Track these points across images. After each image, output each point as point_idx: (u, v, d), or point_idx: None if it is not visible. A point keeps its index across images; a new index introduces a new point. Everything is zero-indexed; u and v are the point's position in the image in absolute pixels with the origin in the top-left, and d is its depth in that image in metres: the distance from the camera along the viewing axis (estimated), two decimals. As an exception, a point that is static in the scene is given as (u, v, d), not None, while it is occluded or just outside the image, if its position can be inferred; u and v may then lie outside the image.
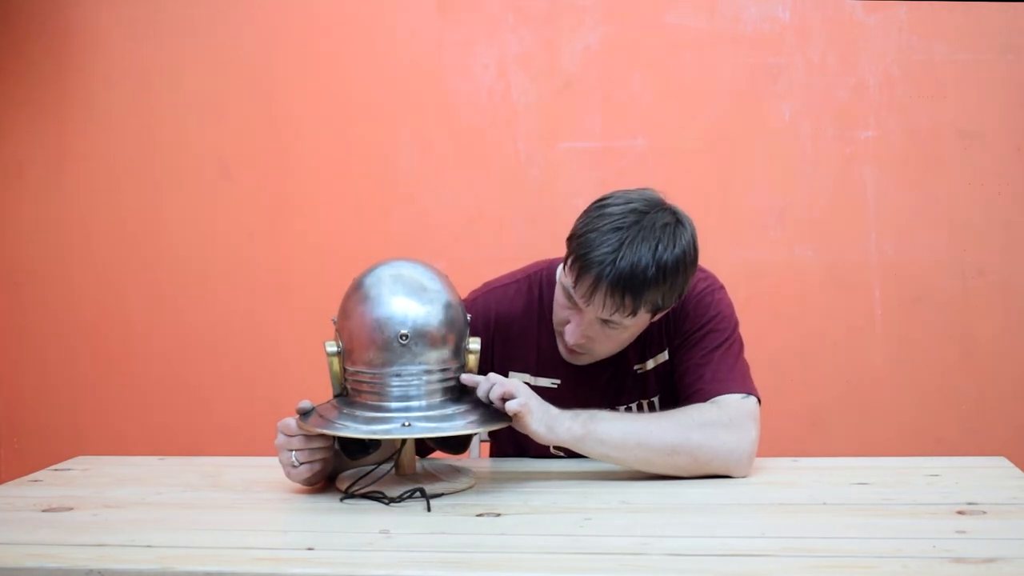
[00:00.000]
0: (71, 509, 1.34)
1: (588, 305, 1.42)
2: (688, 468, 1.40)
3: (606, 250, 1.37)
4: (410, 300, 1.35)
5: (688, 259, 1.43)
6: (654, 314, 1.47)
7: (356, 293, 1.37)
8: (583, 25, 2.63)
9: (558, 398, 1.47)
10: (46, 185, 2.92)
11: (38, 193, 2.93)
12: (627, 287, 1.37)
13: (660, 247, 1.38)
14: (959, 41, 2.48)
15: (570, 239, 1.45)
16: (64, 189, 2.91)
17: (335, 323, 1.40)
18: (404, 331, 1.32)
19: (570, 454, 1.61)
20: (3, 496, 1.44)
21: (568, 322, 1.47)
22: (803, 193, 2.55)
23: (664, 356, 1.58)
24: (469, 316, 1.45)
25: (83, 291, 2.91)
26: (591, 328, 1.45)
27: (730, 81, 2.57)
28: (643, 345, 1.58)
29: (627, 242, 1.37)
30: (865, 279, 2.53)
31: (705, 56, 2.58)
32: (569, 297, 1.45)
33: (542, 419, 1.37)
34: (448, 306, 1.37)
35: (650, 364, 1.59)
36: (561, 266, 1.49)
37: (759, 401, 1.47)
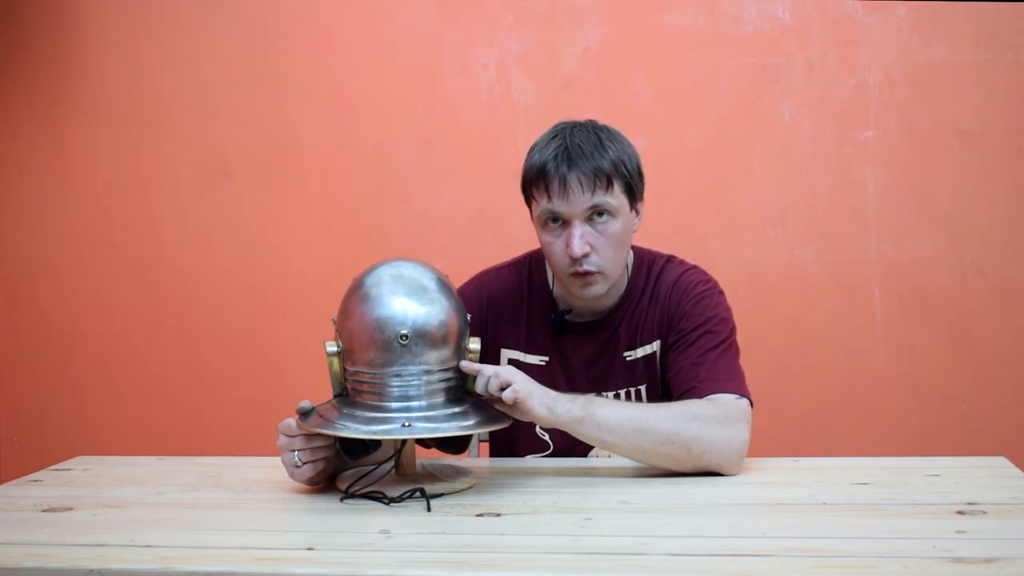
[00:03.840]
0: (71, 509, 1.34)
1: (567, 201, 1.48)
2: (680, 460, 1.40)
3: (554, 148, 1.50)
4: (410, 300, 1.35)
5: (628, 142, 1.56)
6: (631, 201, 1.54)
7: (356, 293, 1.37)
8: (583, 25, 2.63)
9: (547, 374, 1.53)
10: (46, 185, 2.92)
11: (38, 193, 2.93)
12: (592, 163, 1.48)
13: (597, 132, 1.53)
14: (959, 41, 2.48)
15: (523, 180, 1.56)
16: (64, 189, 2.91)
17: (335, 323, 1.40)
18: (404, 331, 1.32)
19: (560, 448, 1.62)
20: (3, 496, 1.44)
21: (566, 247, 1.51)
22: (803, 193, 2.55)
23: (653, 347, 1.60)
24: (465, 297, 1.48)
25: (83, 291, 2.91)
26: (587, 233, 1.50)
27: (730, 81, 2.57)
28: (635, 333, 1.60)
29: (567, 138, 1.51)
30: (865, 279, 2.53)
31: (705, 56, 2.58)
32: (553, 221, 1.52)
33: (543, 401, 1.38)
34: (448, 306, 1.37)
35: (639, 352, 1.60)
36: (532, 208, 1.56)
37: (751, 405, 1.48)
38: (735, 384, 1.49)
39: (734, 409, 1.44)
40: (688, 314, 1.56)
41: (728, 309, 1.59)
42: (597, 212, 1.49)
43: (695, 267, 1.65)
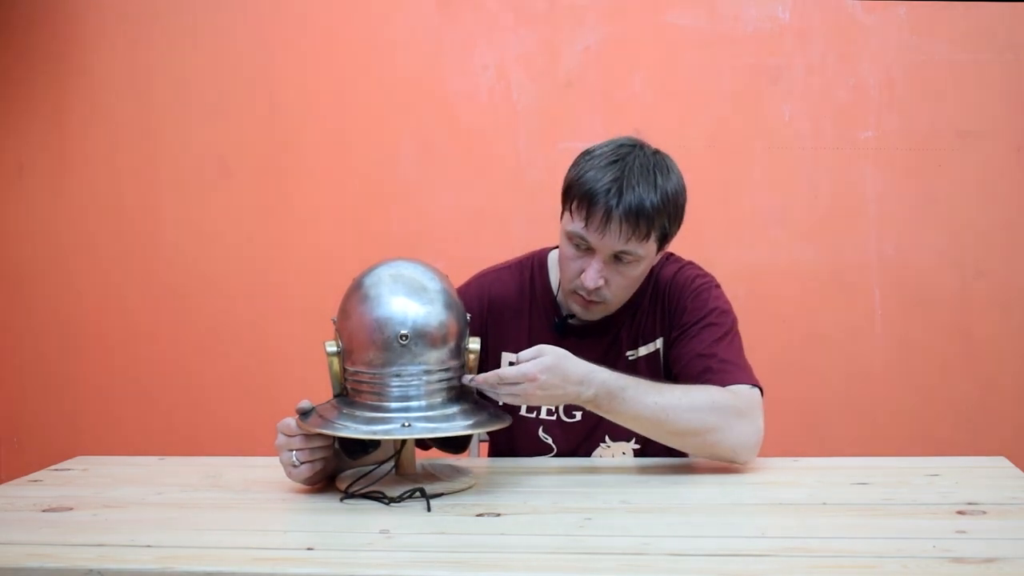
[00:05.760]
0: (71, 509, 1.34)
1: (603, 237, 1.45)
2: (697, 448, 1.43)
3: (610, 179, 1.44)
4: (410, 300, 1.34)
5: (682, 184, 1.53)
6: (660, 245, 1.52)
7: (356, 293, 1.37)
8: (583, 25, 2.63)
9: None
10: (46, 185, 2.92)
11: (38, 193, 2.93)
12: (639, 210, 1.43)
13: (657, 172, 1.48)
14: (959, 41, 2.48)
15: (568, 188, 1.51)
16: (64, 189, 2.91)
17: (335, 323, 1.40)
18: (404, 331, 1.32)
19: (563, 450, 1.62)
20: (3, 496, 1.44)
21: (582, 271, 1.50)
22: (803, 193, 2.55)
23: (655, 346, 1.60)
24: (466, 298, 1.47)
25: (83, 291, 2.91)
26: (606, 268, 1.49)
27: (730, 81, 2.57)
28: (636, 332, 1.60)
29: (627, 170, 1.45)
30: (865, 279, 2.53)
31: (705, 56, 2.58)
32: (579, 244, 1.49)
33: (542, 399, 1.38)
34: (448, 306, 1.37)
35: (642, 351, 1.60)
36: (564, 217, 1.52)
37: (762, 393, 1.49)
38: (747, 374, 1.50)
39: (750, 399, 1.45)
40: (688, 308, 1.57)
41: (727, 302, 1.60)
42: (624, 254, 1.48)
43: (691, 263, 1.65)
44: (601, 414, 1.42)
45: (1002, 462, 1.45)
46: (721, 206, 2.57)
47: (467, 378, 1.37)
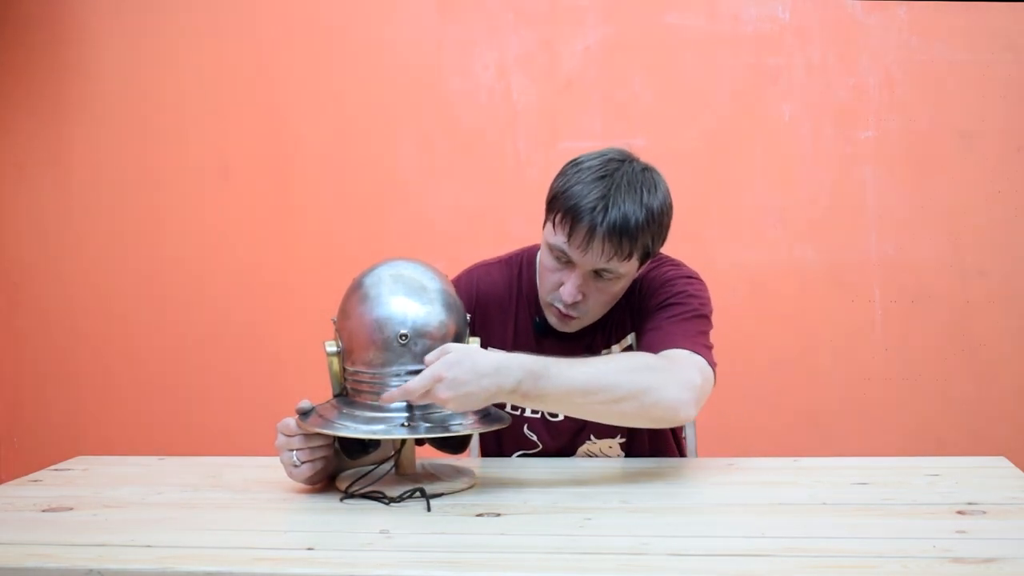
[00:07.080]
0: (71, 509, 1.34)
1: (585, 255, 1.44)
2: (634, 414, 1.35)
3: (596, 196, 1.42)
4: (410, 300, 1.35)
5: (668, 201, 1.49)
6: (642, 262, 1.50)
7: (356, 293, 1.37)
8: (583, 25, 2.63)
9: None
10: (45, 185, 2.92)
11: (37, 193, 2.93)
12: (623, 229, 1.41)
13: (644, 191, 1.44)
14: (959, 41, 2.48)
15: (553, 199, 1.49)
16: (63, 189, 2.91)
17: (335, 323, 1.40)
18: (404, 331, 1.32)
19: (548, 446, 1.62)
20: (3, 496, 1.44)
21: (561, 284, 1.49)
22: (803, 193, 2.55)
23: (628, 341, 1.60)
24: (457, 290, 1.45)
25: (82, 291, 2.91)
26: (586, 284, 1.48)
27: (730, 81, 2.57)
28: (610, 329, 1.60)
29: (614, 188, 1.42)
30: (865, 279, 2.53)
31: (705, 56, 2.58)
32: (559, 257, 1.48)
33: (459, 399, 1.28)
34: (448, 306, 1.37)
35: (615, 349, 1.60)
36: (547, 228, 1.50)
37: (713, 369, 1.44)
38: (692, 343, 1.43)
39: (683, 357, 1.40)
40: (655, 293, 1.55)
41: (700, 290, 1.56)
42: (605, 271, 1.47)
43: (669, 260, 1.63)
44: (531, 404, 1.34)
45: (1002, 462, 1.45)
46: (721, 206, 2.57)
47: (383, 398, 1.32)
